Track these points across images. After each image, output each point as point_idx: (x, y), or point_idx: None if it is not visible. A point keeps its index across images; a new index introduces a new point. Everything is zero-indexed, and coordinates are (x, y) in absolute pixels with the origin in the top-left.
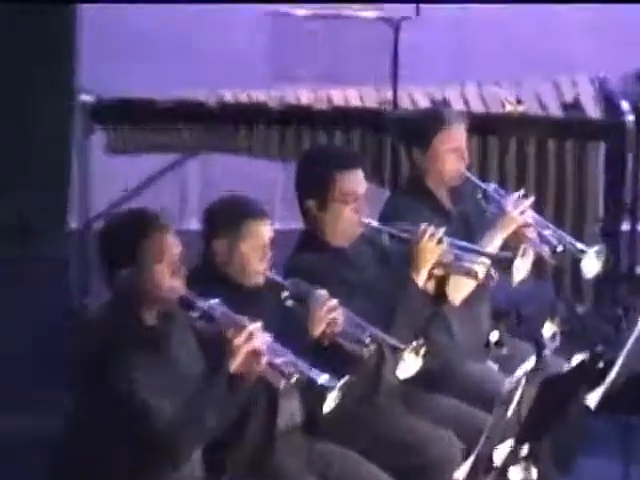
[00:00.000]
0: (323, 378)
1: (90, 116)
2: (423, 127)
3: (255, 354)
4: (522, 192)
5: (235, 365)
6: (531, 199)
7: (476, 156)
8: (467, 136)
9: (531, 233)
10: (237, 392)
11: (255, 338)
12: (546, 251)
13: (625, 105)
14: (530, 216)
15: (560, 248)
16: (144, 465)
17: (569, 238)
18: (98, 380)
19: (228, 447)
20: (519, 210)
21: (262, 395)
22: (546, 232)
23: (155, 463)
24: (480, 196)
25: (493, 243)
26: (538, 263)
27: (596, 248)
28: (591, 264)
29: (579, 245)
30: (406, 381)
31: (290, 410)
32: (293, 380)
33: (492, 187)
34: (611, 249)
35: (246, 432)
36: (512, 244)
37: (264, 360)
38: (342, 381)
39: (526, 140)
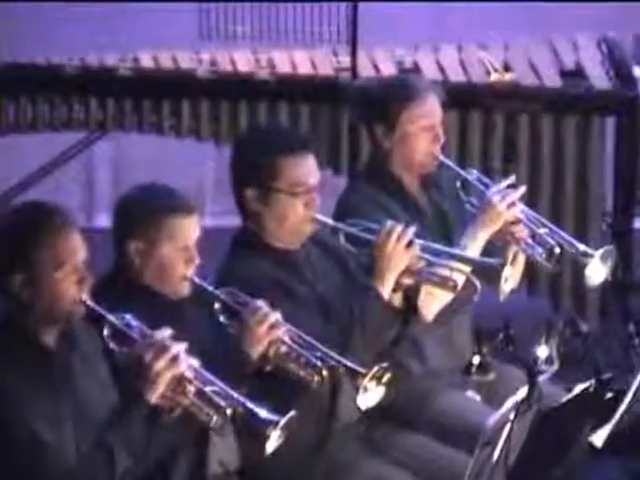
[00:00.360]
0: (264, 412)
1: None
2: (388, 100)
3: (180, 382)
4: (511, 181)
5: (155, 396)
6: (522, 189)
7: (455, 136)
8: (443, 111)
9: (522, 232)
10: (158, 429)
11: (180, 362)
12: (541, 254)
13: (639, 72)
14: (520, 210)
15: (558, 250)
16: None
17: (569, 238)
18: None
19: None
20: (507, 203)
21: (188, 434)
22: (541, 230)
23: None
24: (459, 186)
25: (475, 244)
26: (531, 270)
27: (603, 250)
28: (596, 270)
29: (581, 247)
30: (367, 415)
31: (223, 452)
32: (227, 414)
33: (474, 175)
34: (621, 251)
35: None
36: (498, 245)
37: (191, 390)
38: (288, 416)
39: (516, 116)
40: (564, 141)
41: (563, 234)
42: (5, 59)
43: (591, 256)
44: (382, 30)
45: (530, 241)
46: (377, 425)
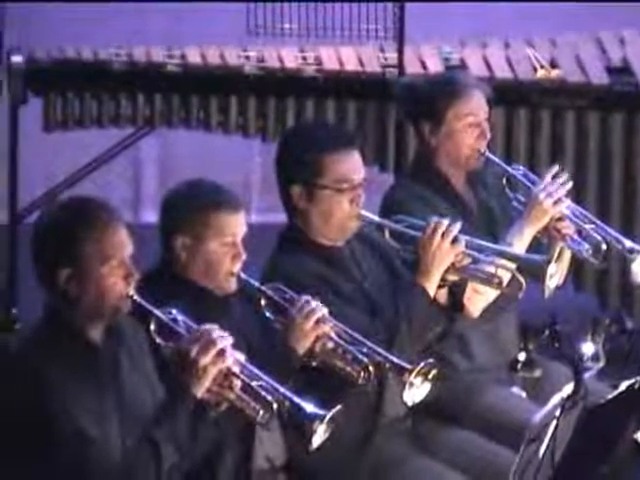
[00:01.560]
0: (310, 407)
1: (21, 81)
2: (434, 97)
3: (226, 377)
4: (557, 177)
5: (202, 390)
6: (568, 185)
7: (501, 133)
8: (490, 108)
9: (568, 228)
10: (204, 424)
11: (226, 357)
12: (587, 250)
13: None
14: (567, 206)
15: (604, 247)
16: None
17: (616, 234)
18: (30, 411)
19: None
20: (553, 199)
21: (235, 429)
22: (587, 227)
23: None
24: (505, 182)
25: (521, 241)
26: (577, 266)
27: None
28: None
29: (628, 243)
30: (414, 412)
31: (269, 448)
32: (274, 409)
33: (520, 171)
34: None
35: (216, 478)
36: (545, 242)
37: (237, 384)
38: (334, 410)
39: (563, 113)
40: (610, 138)
41: (610, 230)
42: (53, 55)
43: (638, 252)
44: (429, 26)
45: (576, 237)
46: (423, 421)
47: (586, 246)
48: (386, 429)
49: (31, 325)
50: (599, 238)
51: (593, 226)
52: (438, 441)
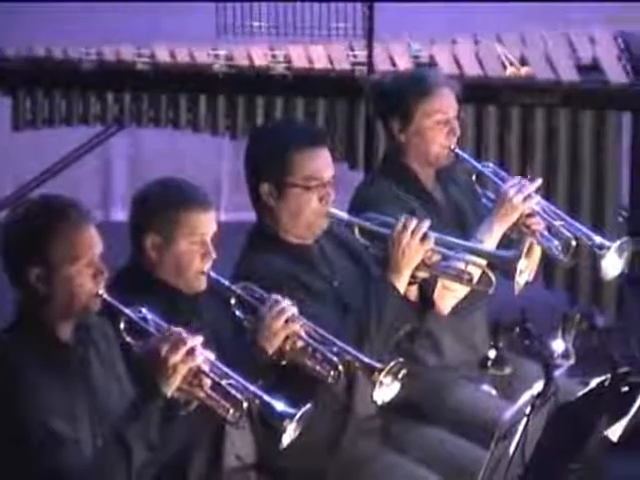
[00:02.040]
0: (280, 406)
1: None
2: (403, 94)
3: (196, 375)
4: (527, 174)
5: (172, 389)
6: (538, 182)
7: (471, 130)
8: (459, 105)
9: (538, 224)
10: (174, 423)
11: (196, 356)
12: (557, 247)
13: None
14: (536, 203)
15: (574, 243)
16: None
17: (586, 230)
18: (1, 411)
19: None
20: (523, 195)
21: (205, 427)
22: (557, 223)
23: None
24: (475, 179)
25: (491, 238)
26: (548, 263)
27: (619, 243)
28: (613, 262)
29: (598, 239)
30: (384, 410)
31: (239, 446)
32: (244, 407)
33: (490, 168)
34: (637, 245)
35: (187, 476)
36: (514, 238)
37: (207, 383)
38: (304, 409)
39: (532, 110)
40: (580, 135)
41: (579, 226)
42: (21, 53)
43: (607, 248)
44: (398, 24)
45: (546, 233)
46: (394, 419)
47: (556, 242)
48: (356, 427)
49: (1, 324)
50: (569, 235)
51: (563, 223)
52: (409, 439)
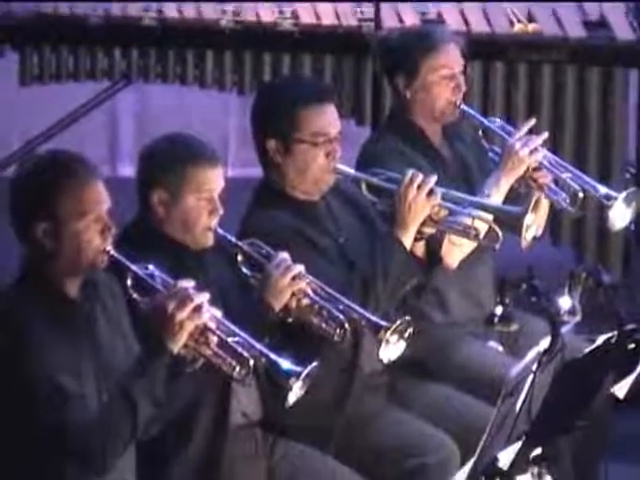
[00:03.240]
0: (286, 363)
1: None
2: (408, 50)
3: (202, 333)
4: (532, 124)
5: (178, 346)
6: (544, 135)
7: (478, 87)
8: (466, 62)
9: (545, 177)
10: (180, 379)
11: (202, 313)
12: (564, 199)
13: None
14: (543, 156)
15: (581, 195)
16: (62, 466)
17: (593, 182)
18: (8, 367)
19: (170, 453)
20: (529, 149)
21: (211, 385)
22: (564, 175)
23: (77, 462)
24: (482, 134)
25: (498, 191)
26: (555, 220)
27: (626, 193)
28: (621, 213)
29: (604, 190)
30: (390, 367)
31: (245, 403)
32: (250, 365)
33: (497, 123)
34: None
35: (192, 433)
36: (522, 192)
37: (214, 340)
38: (310, 367)
39: (539, 66)
40: (587, 92)
41: (586, 178)
42: (28, 9)
43: (615, 198)
44: None
45: (553, 186)
46: (401, 376)
47: (563, 195)
48: (362, 384)
49: (8, 280)
50: (576, 187)
51: (570, 175)
52: (415, 396)
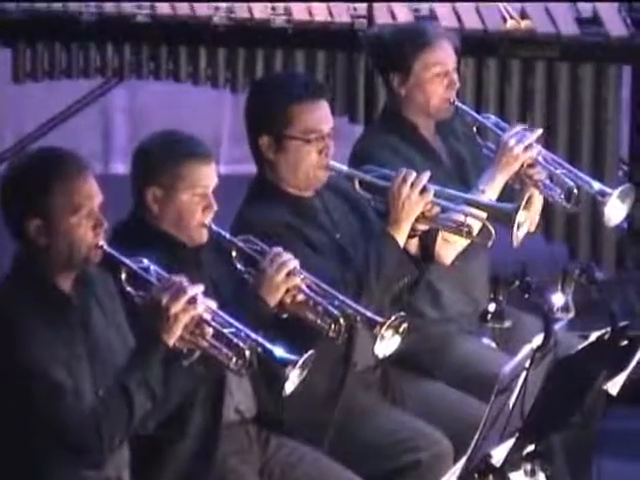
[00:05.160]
0: (282, 352)
1: None
2: (402, 47)
3: (198, 325)
4: (527, 124)
5: (173, 338)
6: (539, 132)
7: (471, 84)
8: (459, 59)
9: (539, 174)
10: (176, 372)
11: (197, 304)
12: (559, 195)
13: None
14: (537, 152)
15: (576, 191)
16: (58, 460)
17: (587, 178)
18: (4, 363)
19: (164, 449)
20: (524, 145)
21: (206, 379)
22: (558, 171)
23: (73, 456)
24: (476, 131)
25: (493, 187)
26: (548, 216)
27: (621, 189)
28: (615, 209)
29: (599, 186)
30: (383, 364)
31: (239, 399)
32: (246, 355)
33: (491, 120)
34: (637, 199)
35: (186, 429)
36: (515, 188)
37: (209, 332)
38: (306, 355)
39: (532, 63)
40: (580, 88)
41: (581, 174)
42: (22, 6)
43: (609, 195)
44: None
45: (548, 182)
46: (394, 372)
47: (558, 191)
48: (356, 380)
49: (1, 276)
50: (570, 183)
51: (564, 171)
52: (409, 392)
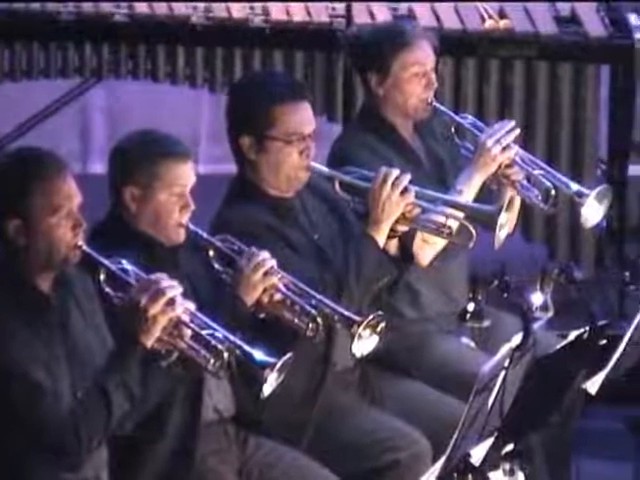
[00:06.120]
0: (261, 355)
1: None
2: (380, 47)
3: (176, 326)
4: (505, 124)
5: (151, 340)
6: (516, 131)
7: (449, 83)
8: (437, 58)
9: (517, 174)
10: (155, 373)
11: (176, 306)
12: (537, 196)
13: (635, 20)
14: (515, 153)
15: (553, 192)
16: (36, 461)
17: (565, 179)
18: None
19: (142, 449)
20: (502, 146)
21: (184, 379)
22: (536, 172)
23: (52, 457)
24: (454, 131)
25: (470, 188)
26: (527, 216)
27: (598, 190)
28: (593, 210)
29: (576, 187)
30: (362, 363)
31: (218, 399)
32: (224, 357)
33: (469, 120)
34: (617, 197)
35: (165, 429)
36: (493, 188)
37: (188, 333)
38: (284, 358)
39: (511, 62)
40: (559, 88)
41: (558, 175)
42: (0, 6)
43: (587, 195)
44: None
45: (526, 183)
46: (373, 372)
47: (536, 192)
48: (335, 380)
49: None
50: (548, 183)
51: (542, 172)
52: (387, 392)
